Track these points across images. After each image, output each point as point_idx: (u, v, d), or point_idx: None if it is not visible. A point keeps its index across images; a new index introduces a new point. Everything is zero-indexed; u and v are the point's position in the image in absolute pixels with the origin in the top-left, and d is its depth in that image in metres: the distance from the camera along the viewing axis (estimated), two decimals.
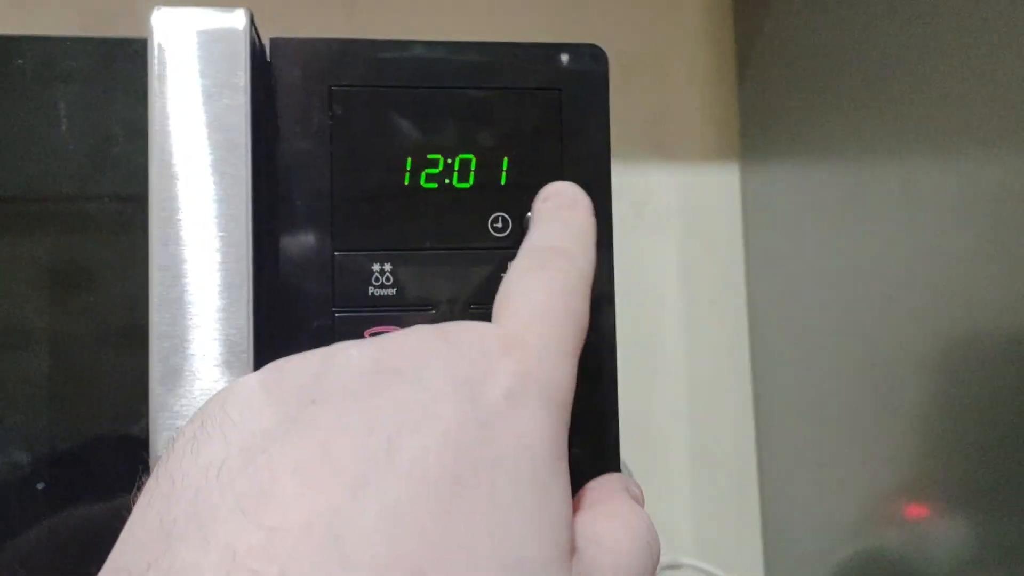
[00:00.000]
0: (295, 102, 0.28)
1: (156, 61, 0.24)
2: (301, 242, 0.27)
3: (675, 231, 0.66)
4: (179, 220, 0.23)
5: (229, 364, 0.23)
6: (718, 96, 0.66)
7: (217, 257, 0.23)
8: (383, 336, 0.22)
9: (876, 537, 0.51)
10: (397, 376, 0.20)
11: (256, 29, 0.26)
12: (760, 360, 0.65)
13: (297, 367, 0.20)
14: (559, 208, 0.27)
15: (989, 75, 0.38)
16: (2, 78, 0.26)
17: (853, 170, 0.50)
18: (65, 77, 0.26)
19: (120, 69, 0.27)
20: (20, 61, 0.26)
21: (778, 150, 0.61)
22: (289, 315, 0.27)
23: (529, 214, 0.29)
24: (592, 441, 0.29)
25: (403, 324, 0.28)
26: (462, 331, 0.22)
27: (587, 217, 0.27)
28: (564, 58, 0.29)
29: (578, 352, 0.23)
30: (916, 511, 0.48)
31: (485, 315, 0.28)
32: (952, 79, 0.41)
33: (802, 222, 0.57)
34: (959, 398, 0.42)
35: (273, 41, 0.28)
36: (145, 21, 0.25)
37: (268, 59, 0.28)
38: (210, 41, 0.24)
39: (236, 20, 0.24)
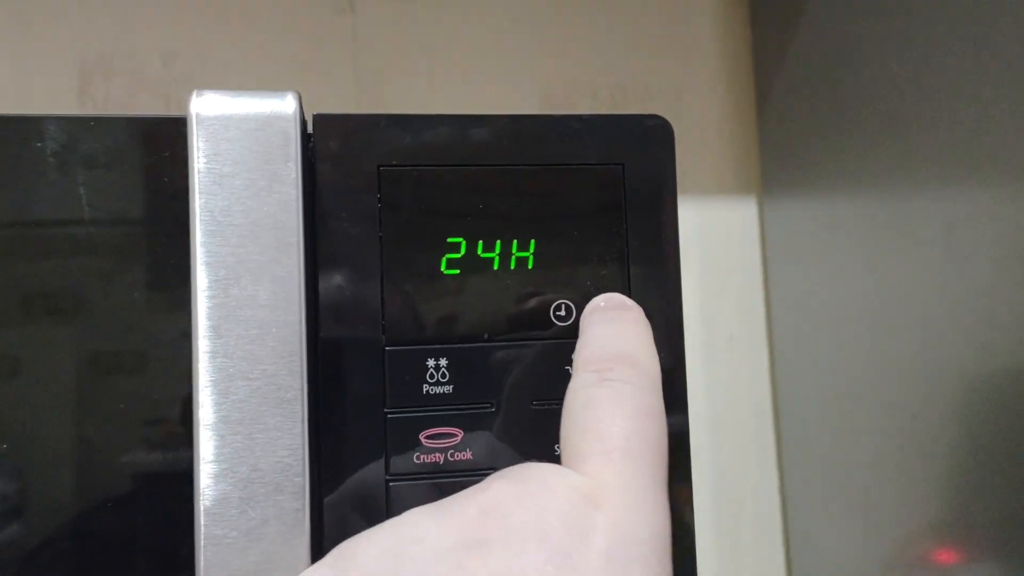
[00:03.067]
0: (341, 183, 0.25)
1: (197, 152, 0.21)
2: (349, 336, 0.25)
3: (693, 267, 0.65)
4: (224, 331, 0.21)
5: (282, 489, 0.21)
6: (736, 129, 0.65)
7: (269, 369, 0.21)
8: (455, 501, 0.19)
9: None
10: (482, 550, 0.17)
11: (303, 110, 0.23)
12: (782, 399, 0.63)
13: (369, 551, 0.18)
14: (611, 311, 0.25)
15: None
16: (19, 162, 0.24)
17: (883, 205, 0.49)
18: (88, 161, 0.24)
19: (149, 151, 0.24)
20: (39, 144, 0.24)
21: (799, 184, 0.59)
22: (337, 418, 0.25)
23: (595, 299, 0.26)
24: None
25: (461, 424, 0.25)
26: (539, 483, 0.19)
27: (642, 319, 0.25)
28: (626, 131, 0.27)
29: (665, 482, 0.21)
30: (946, 556, 0.46)
31: (549, 412, 0.26)
32: (988, 111, 0.39)
33: (825, 258, 0.56)
34: (992, 441, 0.41)
35: (316, 117, 0.25)
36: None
37: (310, 132, 0.26)
38: (257, 129, 0.21)
39: (285, 106, 0.22)
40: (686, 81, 0.64)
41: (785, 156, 0.61)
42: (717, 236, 0.65)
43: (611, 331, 0.25)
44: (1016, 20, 0.37)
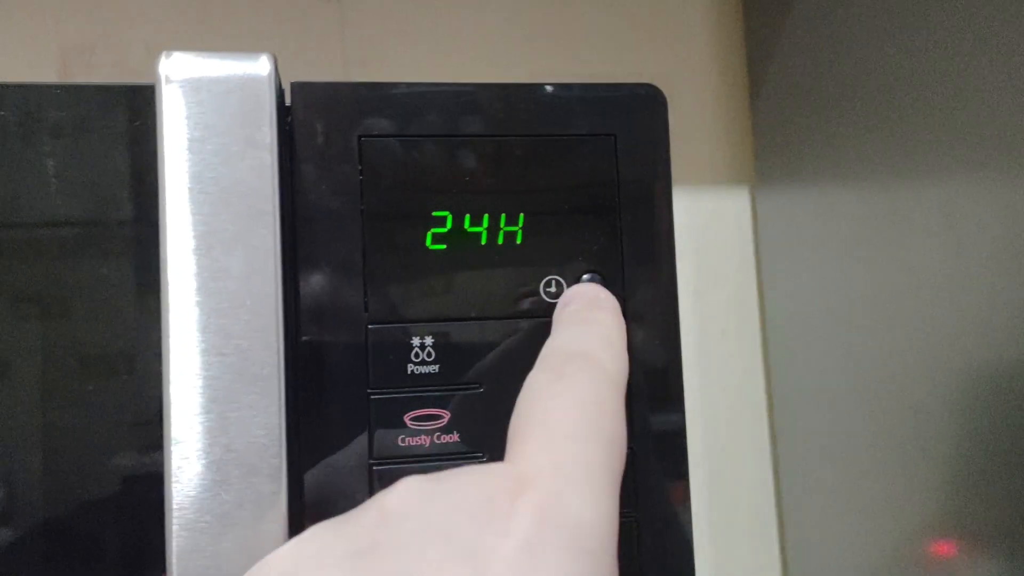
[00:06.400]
0: (320, 154, 0.24)
1: (166, 115, 0.20)
2: (330, 314, 0.24)
3: (686, 258, 0.64)
4: (195, 303, 0.20)
5: (257, 470, 0.20)
6: (729, 119, 0.64)
7: (242, 344, 0.20)
8: (358, 509, 0.18)
9: None
10: (375, 555, 0.16)
11: (278, 74, 0.22)
12: (777, 392, 0.62)
13: (266, 574, 0.17)
14: (580, 310, 0.24)
15: None
16: None
17: (878, 195, 0.48)
18: (54, 130, 0.23)
19: (118, 120, 0.23)
20: (2, 112, 0.23)
21: (793, 174, 0.58)
22: (318, 399, 0.24)
23: (585, 276, 0.25)
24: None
25: (447, 406, 0.24)
26: (461, 476, 0.18)
27: (613, 316, 0.24)
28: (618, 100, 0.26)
29: (616, 478, 0.19)
30: (943, 549, 0.46)
31: None
32: (990, 100, 0.38)
33: (820, 248, 0.55)
34: (991, 434, 0.40)
35: (294, 85, 0.24)
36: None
37: (287, 103, 0.24)
38: (229, 92, 0.20)
39: (259, 67, 0.21)
40: (679, 70, 0.63)
41: (779, 145, 0.60)
42: (710, 227, 0.64)
43: (576, 333, 0.23)
44: (1014, 3, 0.37)
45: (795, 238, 0.58)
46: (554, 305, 0.25)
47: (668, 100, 0.26)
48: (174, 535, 0.19)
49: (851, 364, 0.52)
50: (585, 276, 0.25)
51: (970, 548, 0.43)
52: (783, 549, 0.63)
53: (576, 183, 0.26)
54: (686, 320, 0.63)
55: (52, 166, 0.23)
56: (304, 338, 0.24)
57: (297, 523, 0.22)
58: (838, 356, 0.53)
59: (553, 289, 0.25)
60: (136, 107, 0.23)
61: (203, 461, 0.20)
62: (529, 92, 0.26)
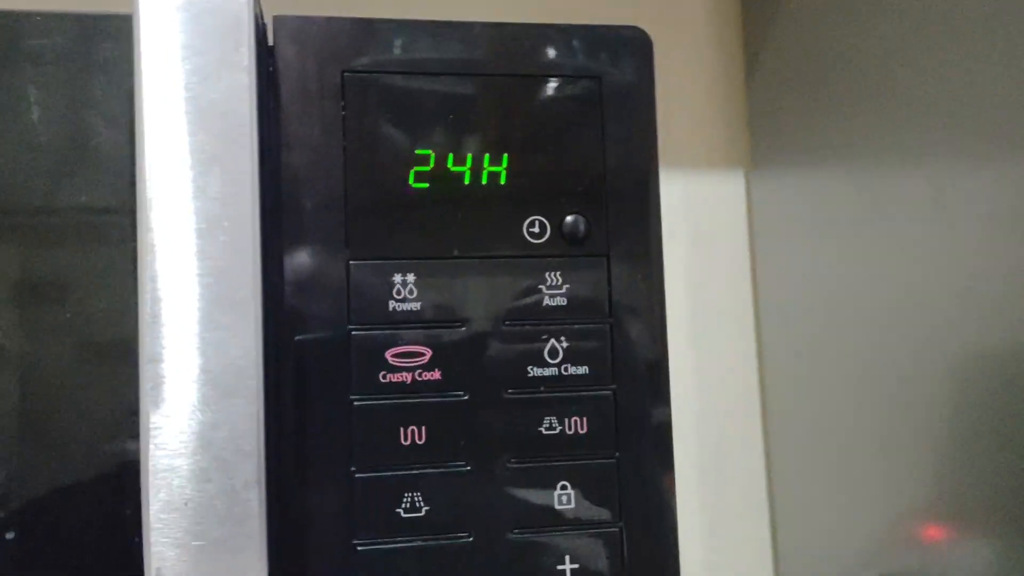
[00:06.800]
0: (302, 90, 0.24)
1: (143, 36, 0.20)
2: (311, 250, 0.24)
3: (680, 241, 0.64)
4: (172, 223, 0.20)
5: (234, 392, 0.19)
6: (725, 100, 0.64)
7: (219, 265, 0.20)
8: None
9: (893, 561, 0.48)
10: None
11: (259, 3, 0.22)
12: (770, 376, 0.62)
13: None
14: None
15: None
16: None
17: (872, 177, 0.48)
18: (36, 58, 0.23)
19: (100, 48, 0.23)
20: None
21: (788, 156, 0.58)
22: (298, 333, 0.23)
23: (569, 218, 0.25)
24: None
25: (429, 343, 0.24)
26: None
27: None
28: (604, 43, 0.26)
29: None
30: (934, 533, 0.45)
31: (522, 332, 0.25)
32: (981, 79, 0.38)
33: (813, 232, 0.55)
34: (981, 418, 0.40)
35: (277, 20, 0.24)
36: None
37: (271, 41, 0.24)
38: (206, 11, 0.20)
39: None
40: (671, 50, 0.63)
41: (774, 129, 0.60)
42: (705, 211, 0.64)
43: None
44: None
45: (790, 221, 0.58)
46: (535, 245, 0.25)
47: (663, 81, 0.26)
48: (149, 456, 0.19)
49: (844, 346, 0.51)
50: (569, 218, 0.25)
51: (960, 532, 0.43)
52: (774, 534, 0.62)
53: (561, 124, 0.25)
54: (680, 303, 0.63)
55: (34, 95, 0.23)
56: (285, 274, 0.23)
57: (274, 453, 0.22)
58: (831, 339, 0.53)
59: (536, 229, 0.25)
60: (125, 35, 0.23)
61: (179, 382, 0.19)
62: (516, 31, 0.25)
